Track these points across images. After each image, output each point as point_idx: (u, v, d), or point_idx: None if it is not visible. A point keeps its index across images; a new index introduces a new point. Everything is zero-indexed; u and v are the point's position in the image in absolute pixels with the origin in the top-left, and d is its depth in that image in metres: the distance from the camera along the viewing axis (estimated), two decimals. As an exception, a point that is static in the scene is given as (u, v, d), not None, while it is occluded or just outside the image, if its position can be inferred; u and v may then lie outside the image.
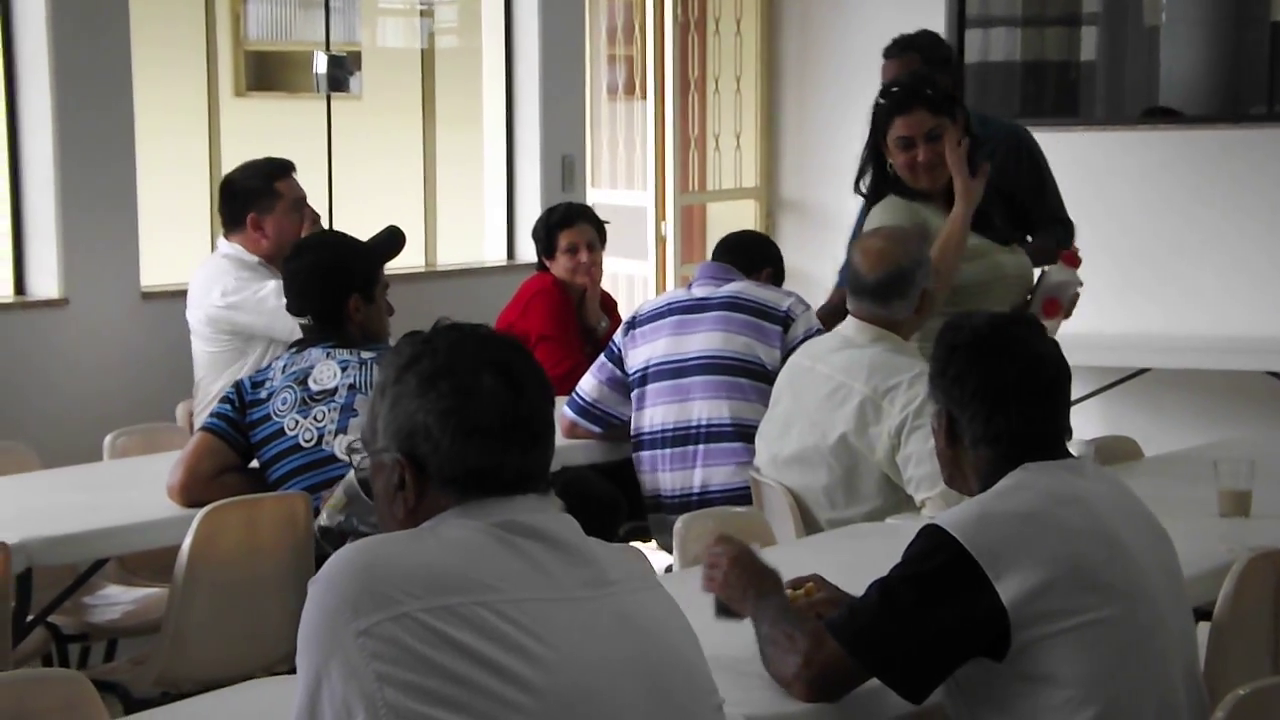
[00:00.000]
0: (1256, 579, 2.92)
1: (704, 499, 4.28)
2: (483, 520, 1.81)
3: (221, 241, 4.66)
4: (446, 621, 1.71)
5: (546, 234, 5.21)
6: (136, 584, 4.07)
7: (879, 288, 3.74)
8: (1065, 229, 4.86)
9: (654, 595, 1.87)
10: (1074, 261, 4.20)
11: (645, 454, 4.40)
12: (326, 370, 3.63)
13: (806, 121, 7.44)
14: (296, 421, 3.59)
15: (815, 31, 7.35)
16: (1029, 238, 4.61)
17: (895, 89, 4.16)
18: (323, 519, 2.57)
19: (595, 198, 7.19)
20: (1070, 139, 6.72)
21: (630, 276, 7.16)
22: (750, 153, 7.54)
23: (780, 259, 4.72)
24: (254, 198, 4.57)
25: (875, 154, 4.15)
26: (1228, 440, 4.60)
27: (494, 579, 1.76)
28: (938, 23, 7.06)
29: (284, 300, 3.83)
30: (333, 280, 3.71)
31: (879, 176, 4.14)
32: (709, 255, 4.70)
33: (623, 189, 7.29)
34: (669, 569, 3.57)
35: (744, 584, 2.49)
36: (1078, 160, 6.70)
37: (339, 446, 3.57)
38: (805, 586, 2.62)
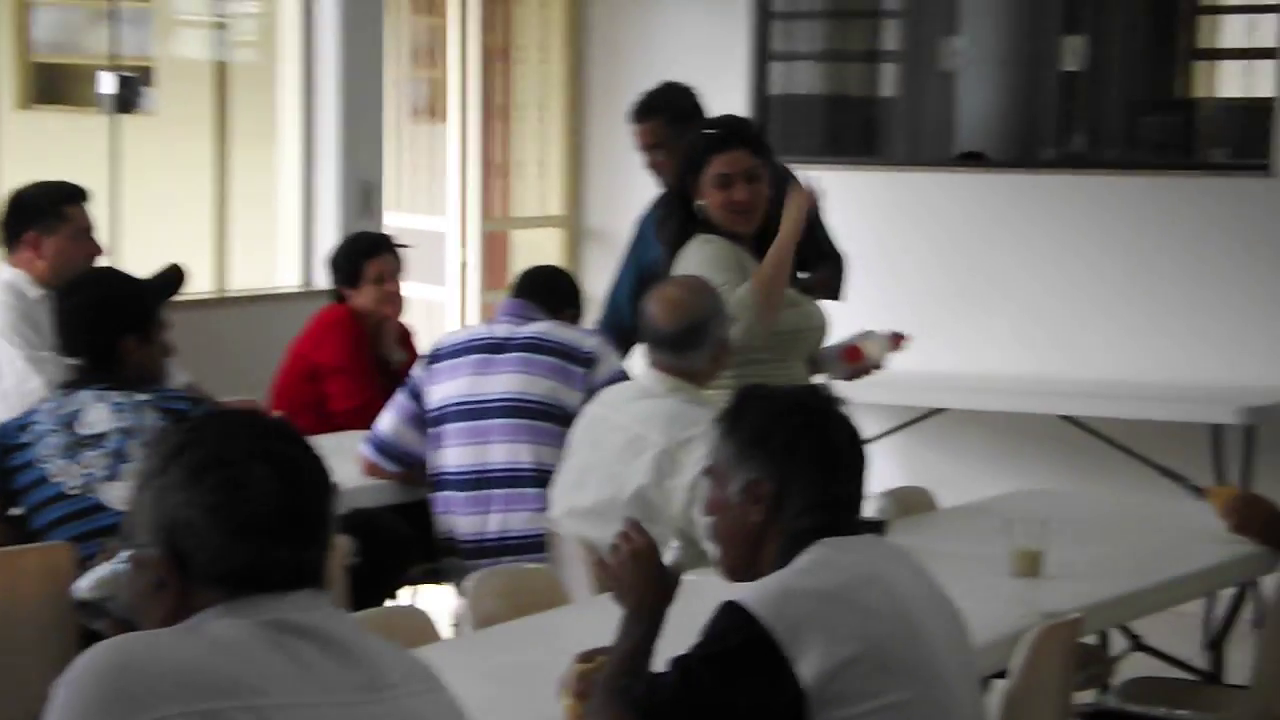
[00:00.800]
0: (1048, 648, 2.91)
1: (501, 544, 4.19)
2: (251, 618, 1.68)
3: (2, 267, 4.42)
4: None
5: (350, 262, 5.05)
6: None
7: (676, 338, 3.70)
8: (836, 264, 4.86)
9: (434, 699, 1.77)
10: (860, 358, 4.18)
11: (441, 495, 4.29)
12: (97, 413, 3.45)
13: (613, 150, 7.37)
14: (62, 467, 3.40)
15: (622, 61, 7.30)
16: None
17: (715, 128, 4.12)
18: (83, 589, 2.40)
19: (394, 222, 7.04)
20: (869, 178, 6.76)
21: (429, 303, 7.02)
22: (555, 180, 7.45)
23: (581, 299, 4.64)
24: (38, 217, 4.34)
25: (682, 194, 4.08)
26: (1021, 492, 4.63)
27: (260, 681, 1.64)
28: (739, 55, 7.07)
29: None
30: (107, 319, 3.53)
31: (685, 219, 4.08)
32: (511, 283, 4.59)
33: (423, 214, 7.15)
34: (456, 625, 3.45)
35: (633, 585, 2.46)
36: (877, 200, 6.76)
37: (108, 494, 3.40)
38: (596, 661, 2.53)
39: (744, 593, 2.29)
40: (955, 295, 6.72)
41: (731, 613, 2.26)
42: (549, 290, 4.47)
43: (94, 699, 1.60)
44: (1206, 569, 3.71)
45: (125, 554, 2.36)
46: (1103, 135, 7.08)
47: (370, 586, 4.49)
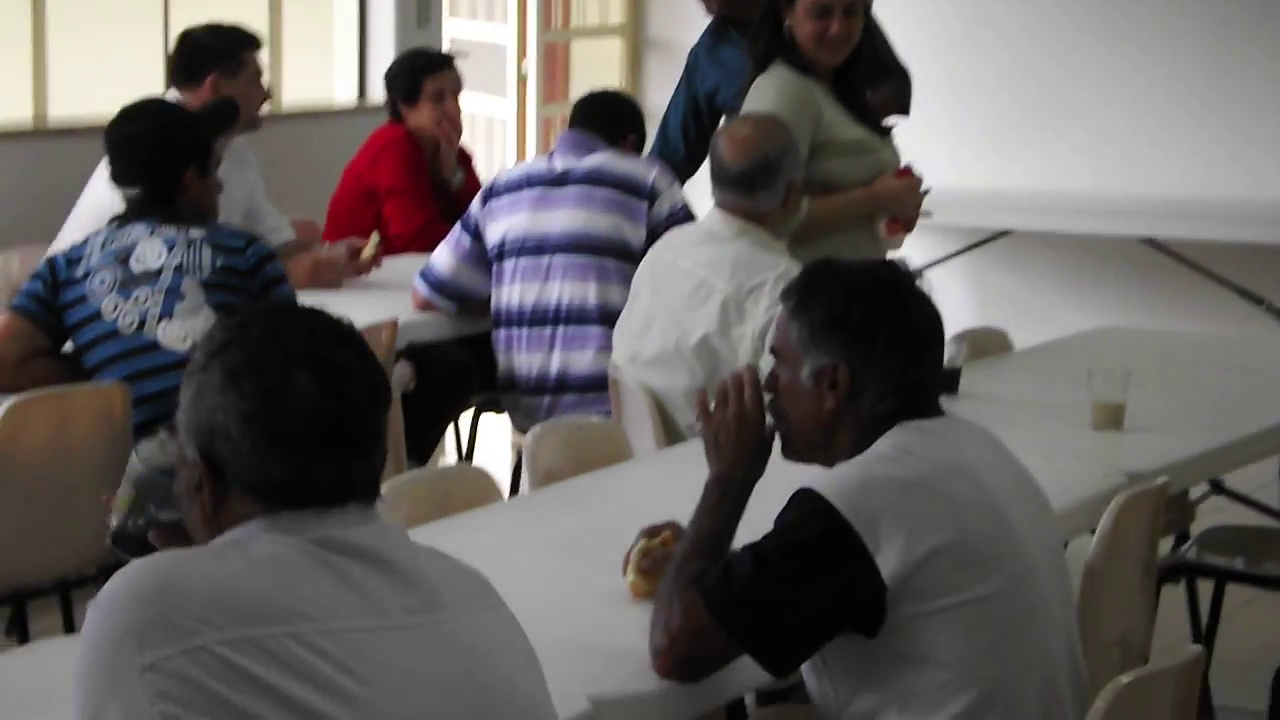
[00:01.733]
0: (1132, 515, 2.79)
1: (562, 384, 4.11)
2: (296, 535, 1.58)
3: (171, 91, 4.35)
4: (250, 656, 1.49)
5: (408, 79, 4.88)
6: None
7: (743, 178, 3.54)
8: (901, 78, 4.67)
9: (491, 616, 1.66)
10: (910, 174, 4.00)
11: (501, 332, 4.19)
12: (151, 249, 3.34)
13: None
14: (116, 304, 3.31)
15: None
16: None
17: None
18: (113, 521, 2.29)
19: (452, 30, 6.84)
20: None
21: (488, 117, 6.85)
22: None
23: (642, 122, 4.47)
24: (218, 59, 4.31)
25: (774, 14, 3.88)
26: (1099, 330, 4.48)
27: (308, 605, 1.53)
28: None
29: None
30: (170, 148, 3.41)
31: (771, 40, 3.89)
32: (571, 94, 4.42)
33: (482, 20, 6.94)
34: (516, 479, 3.37)
35: (731, 450, 2.27)
36: (941, 11, 6.49)
37: (162, 333, 3.31)
38: (662, 536, 2.43)
39: (820, 480, 2.17)
40: (1025, 110, 6.49)
41: (809, 501, 2.15)
42: (609, 118, 4.30)
43: (129, 625, 1.50)
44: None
45: (135, 468, 2.27)
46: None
47: (429, 414, 4.44)
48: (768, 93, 3.85)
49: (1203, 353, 4.23)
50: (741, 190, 3.55)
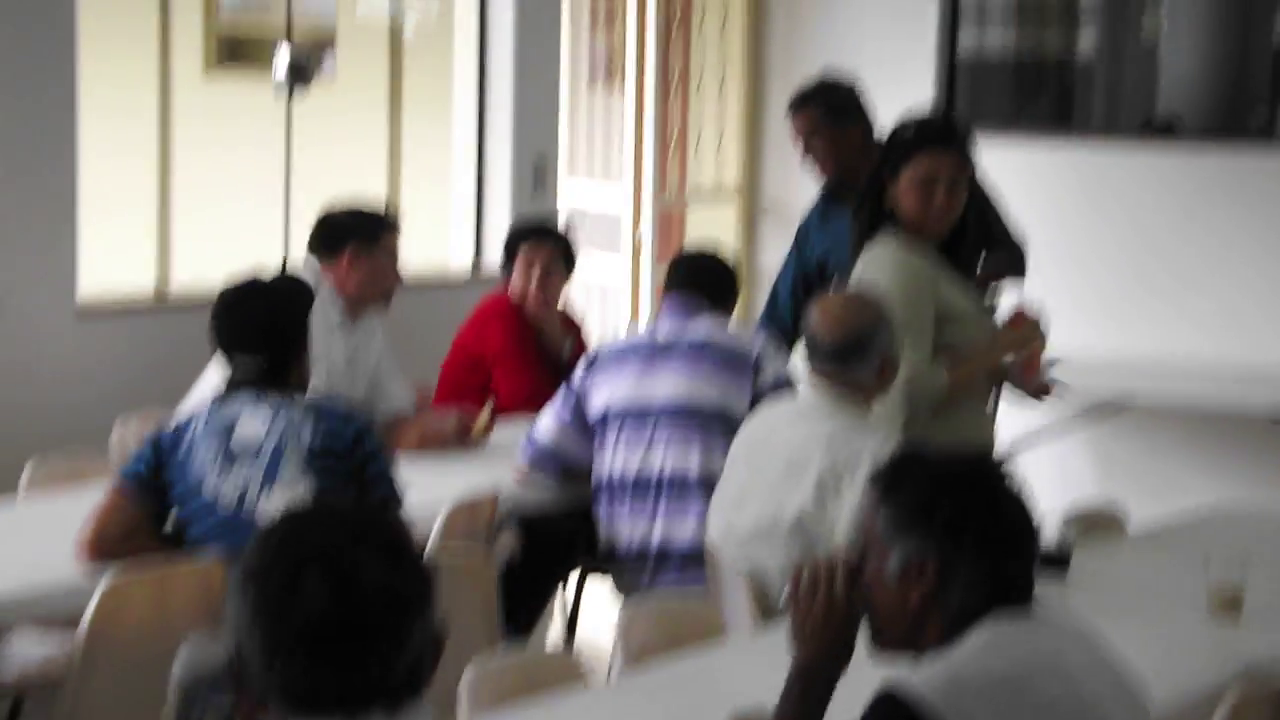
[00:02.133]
0: (1249, 714, 2.68)
1: (663, 556, 4.07)
2: None
3: (312, 260, 4.45)
4: None
5: (507, 246, 4.96)
6: (53, 628, 3.81)
7: (839, 351, 3.51)
8: (1012, 252, 4.63)
9: None
10: (1024, 318, 3.95)
11: (604, 501, 4.17)
12: (253, 422, 3.36)
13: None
14: (218, 478, 3.32)
15: (804, 28, 7.07)
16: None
17: (928, 123, 3.91)
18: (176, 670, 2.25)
19: (569, 193, 6.92)
20: (1059, 150, 6.46)
21: (601, 276, 6.89)
22: (732, 153, 7.26)
23: (739, 286, 4.45)
24: (357, 233, 4.43)
25: (877, 185, 3.88)
26: (1219, 509, 4.34)
27: None
28: (929, 20, 6.78)
29: None
30: (298, 322, 3.46)
31: (876, 209, 3.88)
32: (670, 272, 4.40)
33: (599, 180, 7.01)
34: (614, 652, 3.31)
35: (815, 635, 2.22)
36: (1065, 173, 6.44)
37: (262, 507, 3.31)
38: (749, 726, 2.37)
39: (906, 680, 2.09)
40: (1146, 279, 6.40)
41: (895, 706, 2.06)
42: (711, 284, 4.29)
43: None
44: None
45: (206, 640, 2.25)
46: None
47: (534, 583, 4.42)
48: (884, 264, 3.82)
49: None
50: (836, 363, 3.51)
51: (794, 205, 7.14)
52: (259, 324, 3.43)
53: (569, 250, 4.97)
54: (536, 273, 4.87)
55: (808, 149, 4.75)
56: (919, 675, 2.10)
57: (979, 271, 4.37)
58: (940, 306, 3.80)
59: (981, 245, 4.39)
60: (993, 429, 4.09)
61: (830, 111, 4.67)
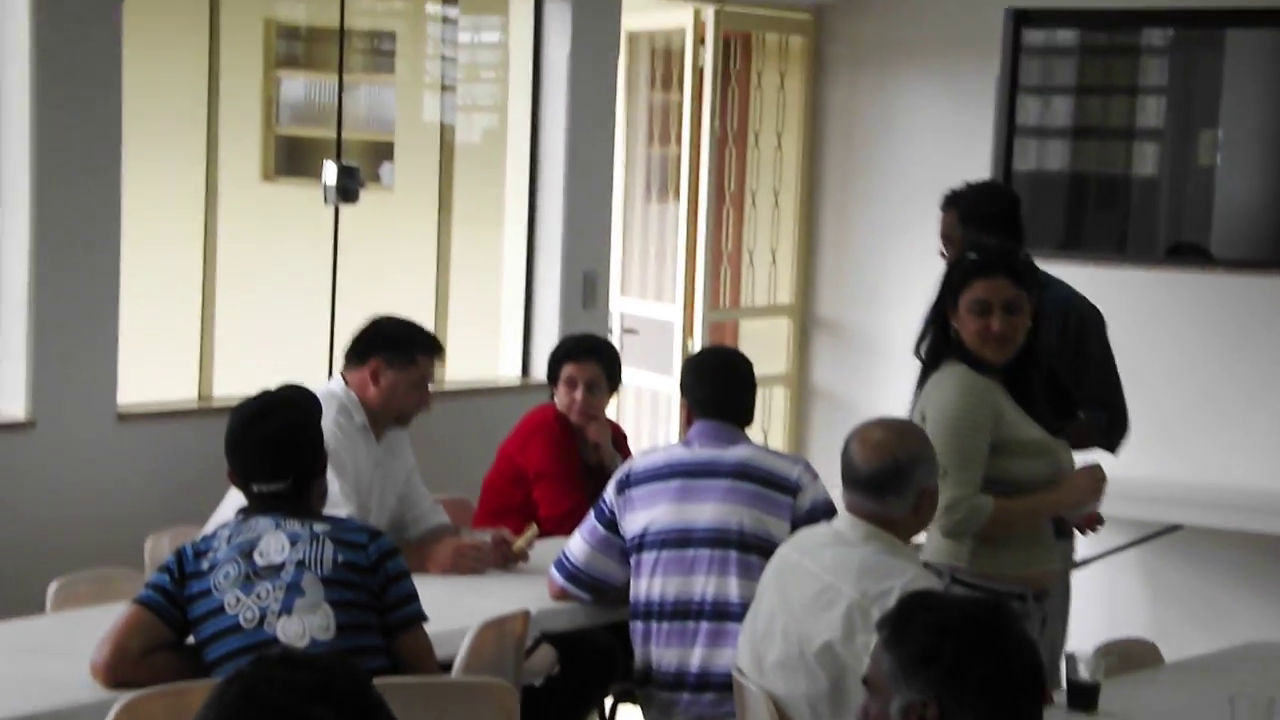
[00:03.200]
0: None
1: (703, 682, 4.05)
2: None
3: (337, 377, 4.49)
4: None
5: (553, 362, 5.01)
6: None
7: (873, 481, 3.50)
8: (1114, 417, 4.65)
9: None
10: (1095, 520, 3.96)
11: (640, 624, 4.15)
12: (275, 543, 3.38)
13: (846, 239, 7.19)
14: (238, 599, 3.33)
15: (860, 145, 7.11)
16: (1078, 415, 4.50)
17: (978, 253, 3.93)
18: None
19: (624, 309, 6.96)
20: (1113, 275, 6.44)
21: (655, 393, 6.92)
22: (786, 269, 7.29)
23: (756, 390, 4.43)
24: (391, 348, 4.41)
25: (940, 315, 3.91)
26: (1252, 647, 4.28)
27: None
28: (985, 141, 6.81)
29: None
30: (314, 444, 3.47)
31: (940, 339, 3.90)
32: (694, 394, 4.35)
33: (651, 300, 7.05)
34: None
35: None
36: (1119, 298, 6.41)
37: (282, 629, 3.32)
38: None
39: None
40: (1201, 403, 6.35)
41: None
42: (742, 406, 4.29)
43: None
44: None
45: None
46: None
47: (574, 699, 4.40)
48: (949, 389, 3.84)
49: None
50: (871, 494, 3.50)
51: (846, 322, 7.17)
52: (277, 453, 3.43)
53: (614, 367, 5.00)
54: (580, 392, 4.91)
55: (943, 250, 4.66)
56: None
57: (1070, 425, 4.41)
58: (1006, 435, 3.80)
59: (1060, 398, 4.41)
60: (1055, 557, 4.01)
61: (967, 218, 4.59)
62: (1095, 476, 3.86)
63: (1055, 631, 4.59)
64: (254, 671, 1.61)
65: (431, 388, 4.55)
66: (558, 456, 4.87)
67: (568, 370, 4.94)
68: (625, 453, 5.02)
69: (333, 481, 3.94)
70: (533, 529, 4.52)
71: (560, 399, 4.94)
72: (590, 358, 4.96)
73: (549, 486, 4.84)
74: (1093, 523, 3.96)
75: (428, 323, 5.95)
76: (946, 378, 3.85)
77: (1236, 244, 6.74)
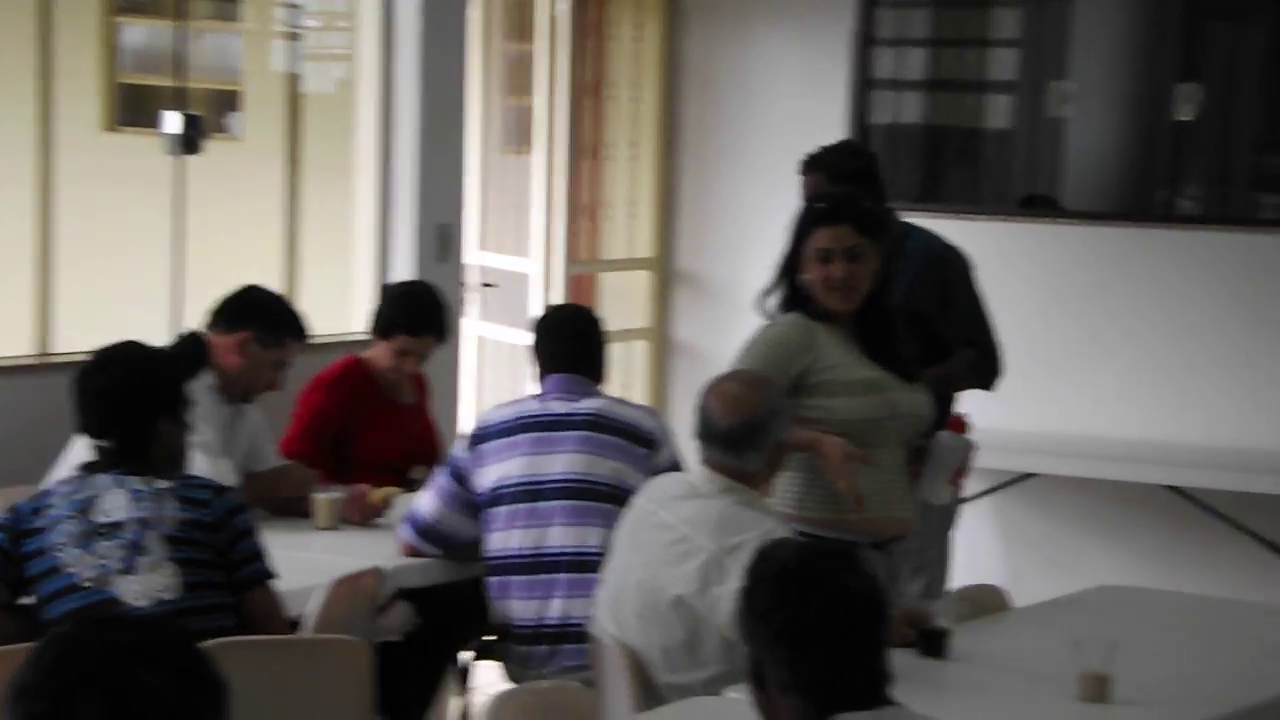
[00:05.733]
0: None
1: (563, 631, 4.02)
2: None
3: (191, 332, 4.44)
4: None
5: (388, 324, 4.82)
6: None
7: (731, 436, 3.51)
8: (983, 355, 4.68)
9: None
10: (961, 428, 3.97)
11: (496, 579, 4.11)
12: (115, 500, 3.30)
13: (705, 191, 7.18)
14: (77, 557, 3.25)
15: (717, 97, 7.10)
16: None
17: (823, 201, 3.96)
18: None
19: (481, 261, 6.90)
20: (967, 225, 6.50)
21: (513, 347, 6.87)
22: (645, 222, 7.27)
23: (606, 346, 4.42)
24: (264, 325, 4.39)
25: (790, 268, 3.91)
26: (1098, 591, 4.35)
27: None
28: (841, 93, 6.83)
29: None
30: (145, 399, 3.37)
31: (792, 292, 3.90)
32: (541, 347, 4.33)
33: (511, 254, 6.99)
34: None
35: None
36: (972, 248, 6.48)
37: (122, 588, 3.25)
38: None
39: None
40: (1055, 353, 6.45)
41: None
42: (593, 360, 4.27)
43: None
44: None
45: None
46: (1216, 189, 6.74)
47: (433, 655, 4.36)
48: (764, 333, 3.87)
49: (1209, 616, 4.11)
50: (730, 449, 3.51)
51: (706, 275, 7.17)
52: (106, 408, 3.37)
53: (446, 333, 4.93)
54: (410, 362, 4.83)
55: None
56: None
57: (944, 369, 4.45)
58: (822, 376, 3.79)
59: (932, 343, 4.45)
60: (899, 506, 4.00)
61: (836, 179, 4.58)
62: (848, 451, 3.75)
63: (934, 578, 4.63)
64: (71, 634, 1.55)
65: (275, 390, 4.51)
66: (361, 401, 4.78)
67: (404, 342, 4.82)
68: (421, 390, 4.95)
69: (197, 438, 3.87)
70: (393, 490, 4.47)
71: (381, 356, 4.85)
72: (429, 332, 4.86)
73: (358, 429, 4.76)
74: (955, 479, 3.98)
75: (277, 276, 5.89)
76: (771, 324, 3.88)
77: (1087, 195, 6.84)
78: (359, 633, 3.61)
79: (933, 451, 3.86)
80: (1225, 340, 6.29)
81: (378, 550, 4.14)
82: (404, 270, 5.95)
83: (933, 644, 3.50)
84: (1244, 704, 3.33)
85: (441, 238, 6.06)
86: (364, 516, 4.40)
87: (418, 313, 4.86)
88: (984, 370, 4.73)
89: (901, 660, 3.25)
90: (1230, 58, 6.69)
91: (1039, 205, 6.82)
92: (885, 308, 3.91)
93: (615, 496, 3.97)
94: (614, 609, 3.57)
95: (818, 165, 4.68)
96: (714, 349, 6.75)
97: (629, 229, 7.23)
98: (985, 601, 4.02)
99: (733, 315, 6.95)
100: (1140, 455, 6.13)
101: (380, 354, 4.85)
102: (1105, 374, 6.45)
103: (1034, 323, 6.36)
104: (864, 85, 6.87)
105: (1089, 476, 6.18)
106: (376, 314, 4.91)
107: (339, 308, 6.09)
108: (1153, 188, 6.79)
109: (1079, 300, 6.53)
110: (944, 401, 4.50)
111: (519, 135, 7.07)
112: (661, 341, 7.28)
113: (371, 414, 4.80)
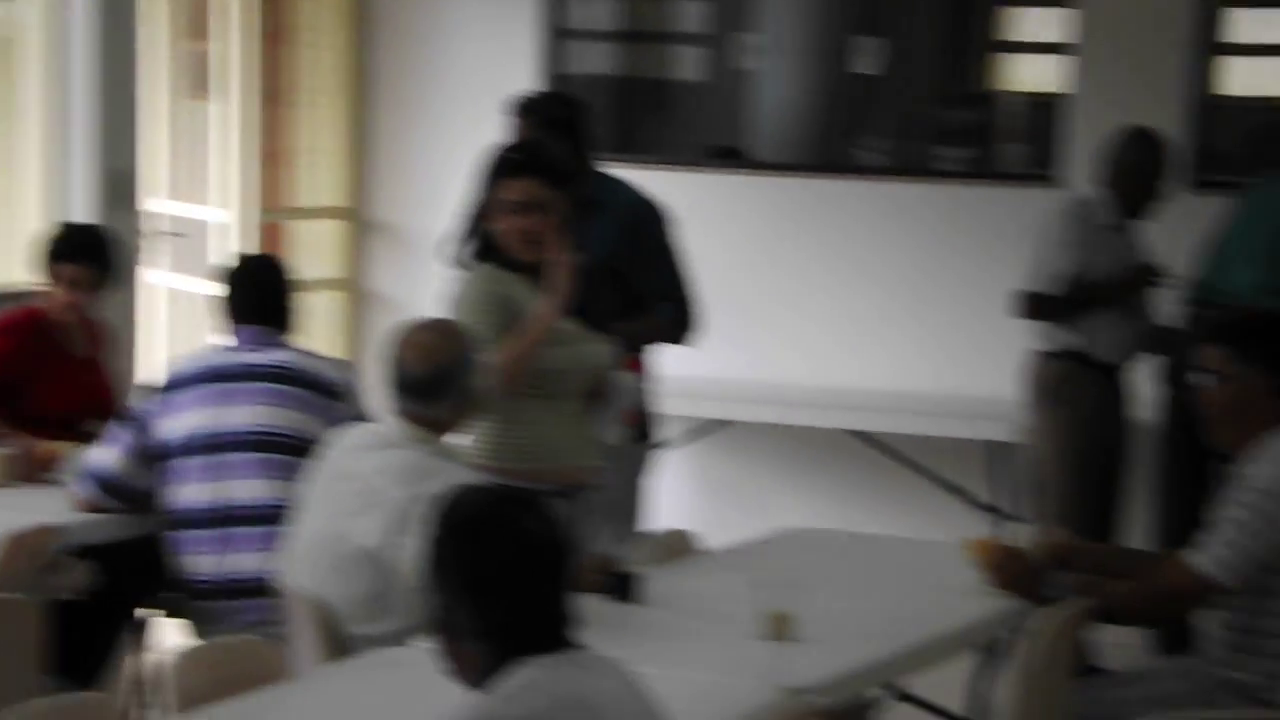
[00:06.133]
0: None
1: (244, 584, 3.94)
2: None
3: None
4: None
5: (46, 256, 4.67)
6: None
7: (421, 386, 3.49)
8: (680, 309, 4.73)
9: None
10: (637, 369, 4.04)
11: (178, 532, 4.02)
12: None
13: (399, 139, 7.10)
14: None
15: (408, 44, 7.02)
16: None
17: (511, 152, 3.94)
18: None
19: (168, 210, 6.69)
20: (655, 176, 6.57)
21: (200, 297, 6.67)
22: (338, 171, 7.14)
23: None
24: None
25: (479, 217, 3.89)
26: (782, 534, 4.45)
27: None
28: (525, 38, 6.83)
29: None
30: None
31: (483, 240, 3.88)
32: (231, 298, 4.24)
33: (198, 202, 6.79)
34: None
35: None
36: (668, 200, 6.56)
37: None
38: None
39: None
40: (744, 302, 6.57)
41: None
42: (281, 312, 4.20)
43: None
44: (962, 627, 3.60)
45: None
46: (897, 141, 6.94)
47: (109, 615, 4.23)
48: (463, 288, 3.86)
49: (890, 555, 4.25)
50: (420, 398, 3.49)
51: (402, 224, 7.09)
52: None
53: (106, 265, 4.74)
54: (68, 290, 4.65)
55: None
56: (453, 717, 2.14)
57: (638, 322, 4.48)
58: (514, 332, 3.79)
59: (628, 297, 4.48)
60: (583, 453, 4.03)
61: (545, 125, 4.56)
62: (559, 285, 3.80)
63: (626, 526, 4.68)
64: None
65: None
66: (34, 353, 4.62)
67: (69, 271, 4.62)
68: (98, 340, 4.81)
69: None
70: (67, 446, 4.31)
71: (54, 301, 4.65)
72: (91, 261, 4.67)
73: (31, 382, 4.59)
74: (628, 419, 4.03)
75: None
76: (466, 278, 3.88)
77: (774, 147, 6.98)
78: (29, 591, 3.50)
79: (607, 391, 3.90)
80: (907, 289, 6.51)
81: (48, 506, 4.02)
82: (78, 218, 5.72)
83: (622, 588, 3.54)
84: (921, 638, 3.46)
85: (117, 184, 5.87)
86: (33, 472, 4.25)
87: (81, 240, 4.70)
88: (682, 325, 4.79)
89: (591, 605, 3.33)
90: (910, 12, 6.89)
91: (728, 156, 6.93)
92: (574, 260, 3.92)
93: (298, 449, 3.91)
94: (303, 561, 3.52)
95: (527, 110, 4.68)
96: (409, 299, 6.70)
97: (321, 177, 7.10)
98: (676, 546, 4.09)
99: (428, 265, 6.88)
100: (827, 401, 6.30)
101: (52, 299, 4.66)
102: (794, 322, 6.60)
103: (725, 272, 6.46)
104: (554, 35, 6.88)
105: (779, 423, 6.33)
106: (40, 250, 4.72)
107: (4, 257, 5.85)
108: (836, 140, 6.98)
109: (768, 250, 6.66)
110: (638, 354, 4.56)
111: (202, 80, 6.86)
112: (356, 292, 7.19)
113: (44, 366, 4.62)
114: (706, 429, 6.42)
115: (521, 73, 6.65)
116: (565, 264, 3.81)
